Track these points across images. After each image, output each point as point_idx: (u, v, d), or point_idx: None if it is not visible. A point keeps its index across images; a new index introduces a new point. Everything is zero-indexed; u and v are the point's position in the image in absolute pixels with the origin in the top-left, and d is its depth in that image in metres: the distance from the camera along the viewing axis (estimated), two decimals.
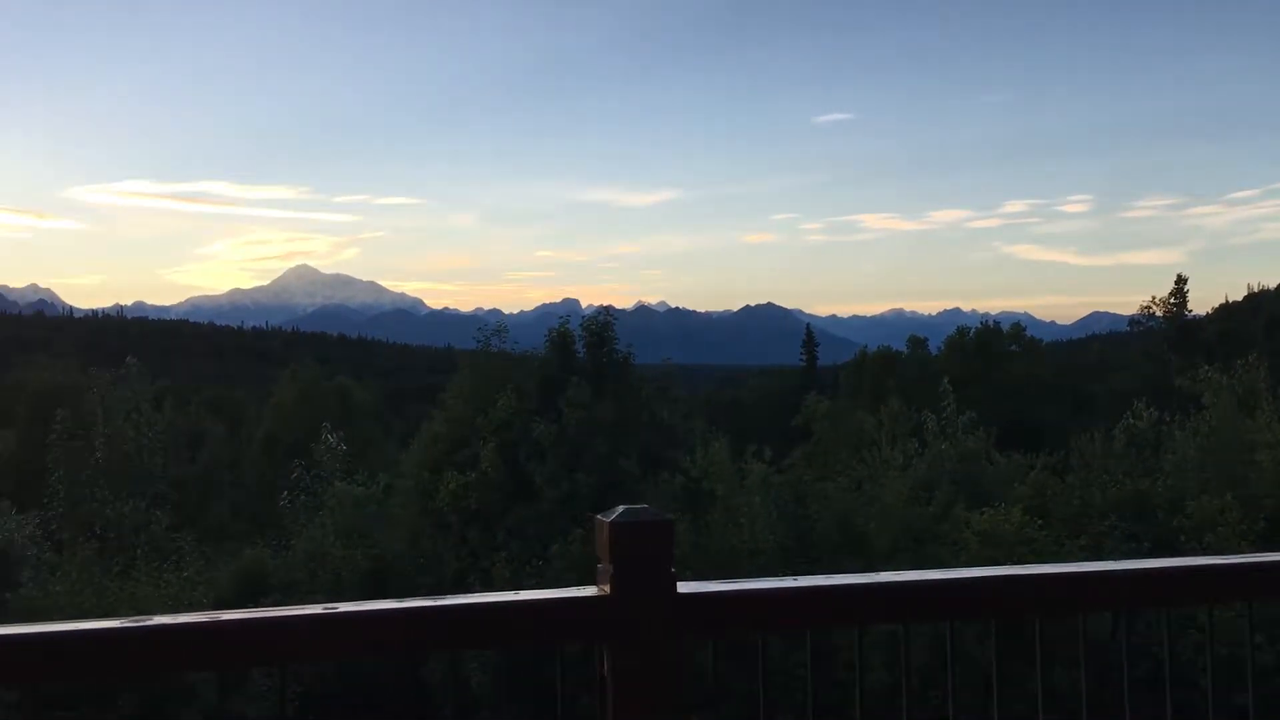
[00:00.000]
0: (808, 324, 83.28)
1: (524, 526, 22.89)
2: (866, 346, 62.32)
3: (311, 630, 2.17)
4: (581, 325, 27.05)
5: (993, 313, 67.98)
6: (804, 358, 76.47)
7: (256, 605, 17.81)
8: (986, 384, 44.61)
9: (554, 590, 2.39)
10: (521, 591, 2.39)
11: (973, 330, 55.59)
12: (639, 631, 2.28)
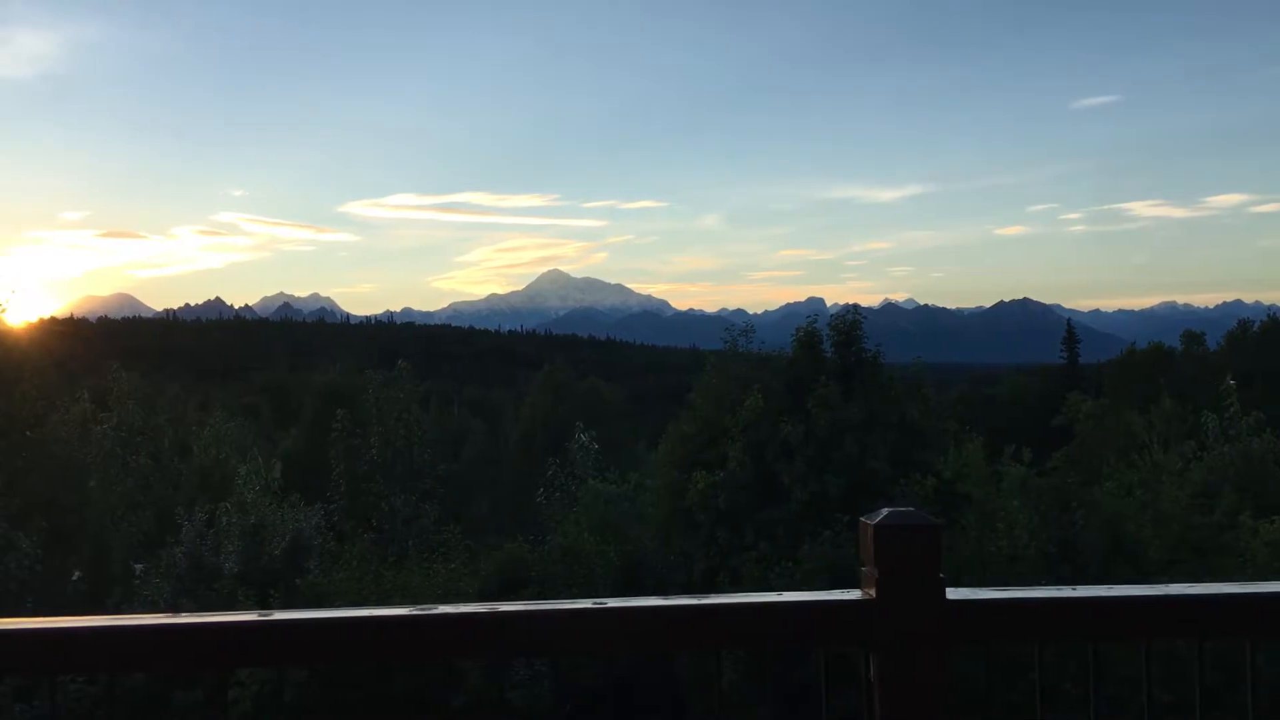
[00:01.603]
0: (1068, 319, 79.02)
1: (773, 526, 22.82)
2: (1135, 343, 58.62)
3: (579, 623, 2.24)
4: (829, 324, 26.68)
5: None
6: (1064, 355, 72.72)
7: (516, 596, 18.56)
8: (1274, 382, 40.94)
9: (816, 593, 2.36)
10: (783, 593, 2.37)
11: (1257, 324, 51.13)
12: (906, 638, 2.22)
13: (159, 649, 2.16)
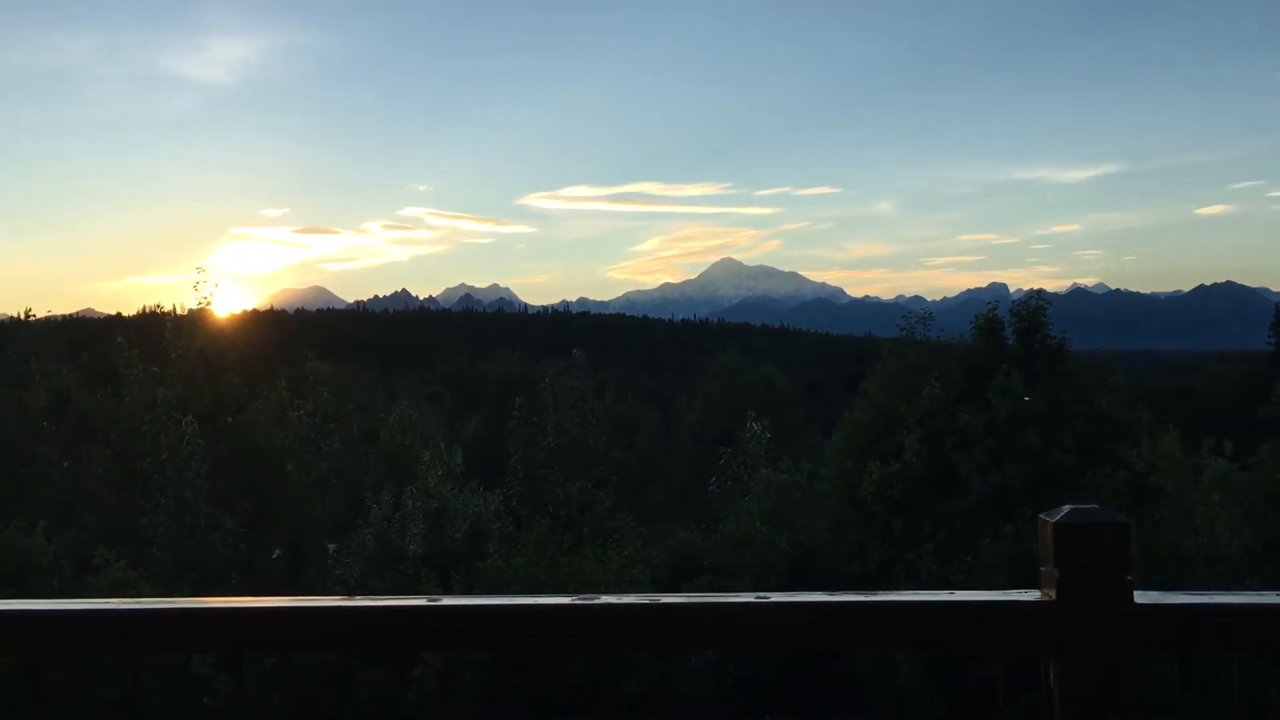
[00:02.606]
0: (1277, 303, 73.92)
1: (950, 519, 22.21)
2: None
3: (743, 617, 2.21)
4: (1010, 310, 25.77)
5: None
6: (1272, 340, 68.15)
7: (689, 585, 18.64)
8: None
9: (993, 593, 2.25)
10: (957, 592, 2.28)
11: None
12: (1090, 644, 2.10)
13: (335, 631, 2.23)
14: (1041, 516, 2.21)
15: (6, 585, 15.89)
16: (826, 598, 2.22)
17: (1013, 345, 25.26)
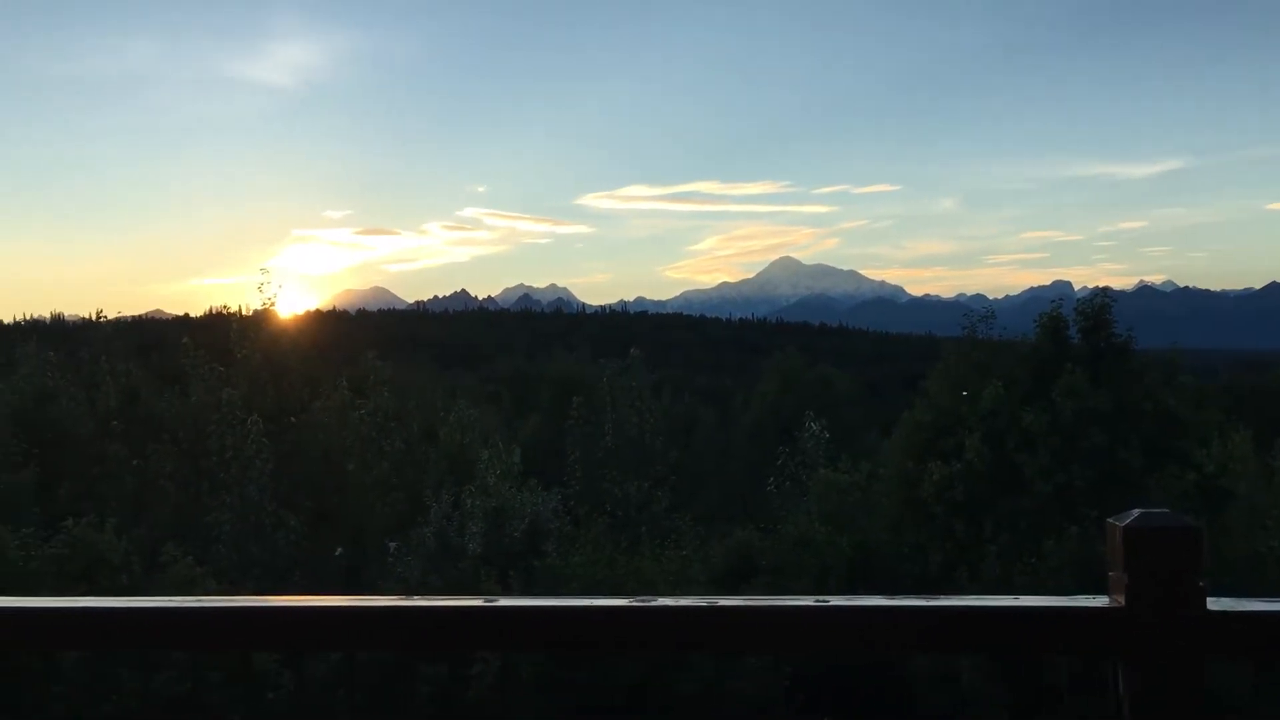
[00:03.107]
0: None
1: (1014, 520, 21.89)
2: None
3: (800, 621, 2.18)
4: (1075, 308, 25.35)
5: None
6: None
7: (747, 585, 18.57)
8: None
9: (1059, 598, 2.20)
10: (1021, 596, 2.23)
11: None
12: (1160, 652, 2.04)
13: (391, 631, 2.25)
14: (1110, 521, 2.16)
15: (78, 580, 16.29)
16: (886, 601, 2.19)
17: (1077, 344, 24.86)
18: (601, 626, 2.20)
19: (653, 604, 2.17)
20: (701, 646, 2.26)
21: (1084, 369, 23.15)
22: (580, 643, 2.27)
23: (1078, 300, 25.97)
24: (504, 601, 2.22)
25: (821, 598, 2.20)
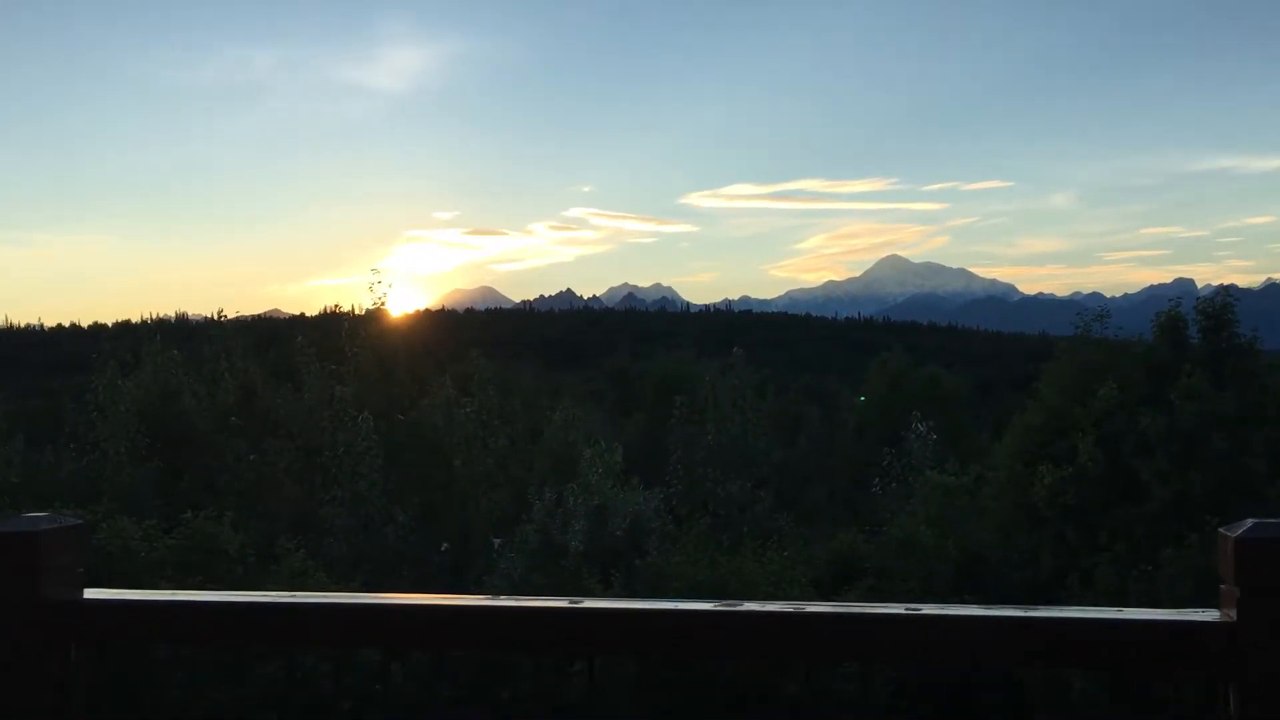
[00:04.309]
0: None
1: (1129, 527, 21.18)
2: None
3: (889, 630, 2.12)
4: (1195, 307, 24.43)
5: None
6: None
7: (850, 588, 18.29)
8: None
9: (1167, 611, 2.10)
10: (1124, 609, 2.13)
11: None
12: (1274, 671, 1.93)
13: (476, 630, 2.25)
14: (1221, 531, 2.06)
15: (196, 571, 16.87)
16: (981, 611, 2.12)
17: (1197, 344, 23.95)
18: (686, 631, 2.17)
19: (738, 609, 2.14)
20: (786, 654, 2.22)
21: (1204, 371, 22.30)
22: (663, 647, 2.25)
23: (1197, 299, 25.04)
24: (589, 603, 2.21)
25: (913, 606, 2.13)
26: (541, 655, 2.35)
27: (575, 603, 2.20)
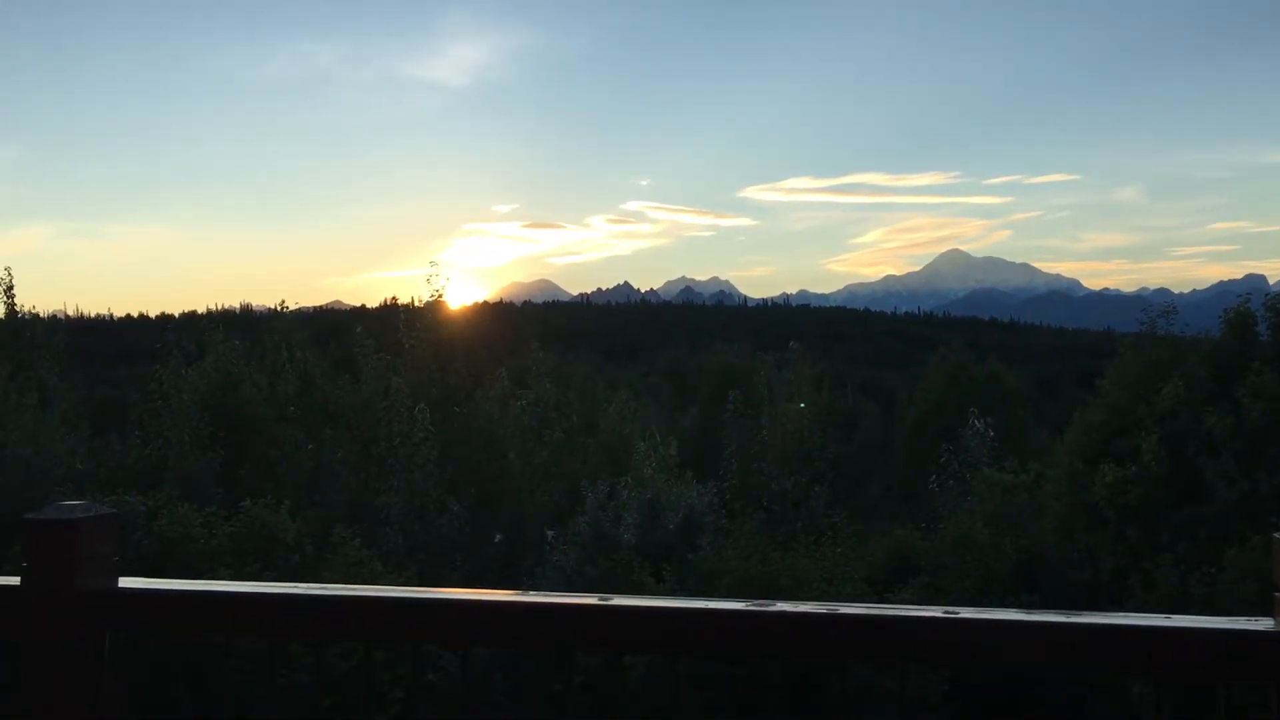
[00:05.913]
0: None
1: (1193, 527, 20.71)
2: None
3: (927, 633, 2.07)
4: (1264, 304, 23.80)
5: None
6: None
7: (905, 586, 18.08)
8: None
9: (1215, 619, 2.03)
10: (1173, 616, 2.06)
11: None
12: None
13: (504, 626, 2.24)
14: (1276, 536, 1.98)
15: (254, 559, 17.12)
16: (1021, 616, 2.06)
17: (1267, 341, 23.34)
18: (715, 630, 2.13)
19: (770, 609, 2.10)
20: (818, 656, 2.17)
21: (1273, 369, 21.72)
22: (693, 646, 2.21)
23: (1267, 295, 24.39)
24: (618, 601, 2.18)
25: (951, 609, 2.08)
26: (569, 652, 2.33)
27: (605, 599, 2.17)
